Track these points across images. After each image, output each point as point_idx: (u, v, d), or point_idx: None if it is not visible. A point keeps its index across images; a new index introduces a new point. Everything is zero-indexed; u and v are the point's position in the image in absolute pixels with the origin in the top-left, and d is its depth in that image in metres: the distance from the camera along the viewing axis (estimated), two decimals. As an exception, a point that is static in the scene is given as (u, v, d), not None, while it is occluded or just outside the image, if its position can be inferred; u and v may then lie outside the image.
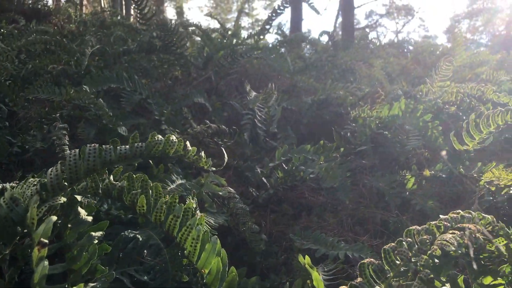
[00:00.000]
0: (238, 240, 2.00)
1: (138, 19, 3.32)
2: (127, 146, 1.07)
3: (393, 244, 1.08)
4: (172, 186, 1.78)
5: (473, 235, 1.12)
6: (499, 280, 1.30)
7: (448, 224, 1.08)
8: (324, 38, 5.92)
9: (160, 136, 1.08)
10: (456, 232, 1.03)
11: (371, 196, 2.50)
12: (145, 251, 1.44)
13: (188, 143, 1.12)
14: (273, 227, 2.16)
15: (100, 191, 1.12)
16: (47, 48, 3.31)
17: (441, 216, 1.12)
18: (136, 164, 2.12)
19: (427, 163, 2.67)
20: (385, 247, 1.08)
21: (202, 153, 1.18)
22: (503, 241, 1.22)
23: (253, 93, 2.32)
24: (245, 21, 21.92)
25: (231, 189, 1.99)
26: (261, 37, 3.81)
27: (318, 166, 2.00)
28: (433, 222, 1.12)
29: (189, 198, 1.60)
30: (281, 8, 3.69)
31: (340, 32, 14.30)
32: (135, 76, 2.68)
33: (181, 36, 3.31)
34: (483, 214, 1.17)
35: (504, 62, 4.73)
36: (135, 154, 1.05)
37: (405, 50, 7.51)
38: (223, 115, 3.28)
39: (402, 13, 22.67)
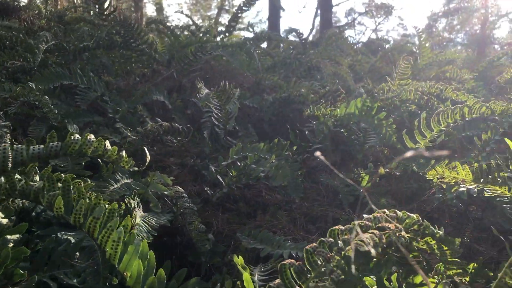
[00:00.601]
0: (188, 240, 1.97)
1: (97, 15, 3.25)
2: (42, 146, 1.03)
3: (315, 244, 1.07)
4: (115, 186, 1.75)
5: (398, 235, 1.12)
6: (431, 279, 1.30)
7: (370, 224, 1.07)
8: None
9: (77, 136, 1.05)
10: (375, 231, 1.02)
11: (328, 194, 2.50)
12: (77, 253, 1.40)
13: (108, 142, 1.09)
14: (226, 226, 2.14)
15: (17, 192, 1.08)
16: (8, 44, 3.22)
17: (364, 215, 1.11)
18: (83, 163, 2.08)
19: (386, 161, 2.69)
20: (307, 247, 1.06)
21: (123, 153, 1.14)
22: (430, 241, 1.22)
23: (205, 91, 2.29)
24: (225, 18, 21.79)
25: (180, 188, 1.96)
26: (227, 34, 3.78)
27: (269, 164, 1.98)
28: (357, 222, 1.11)
29: (128, 199, 1.56)
30: (247, 5, 3.66)
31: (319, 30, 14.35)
32: (90, 73, 2.62)
33: (142, 32, 3.25)
34: (408, 214, 1.17)
35: (469, 61, 4.80)
36: (49, 154, 1.01)
37: (379, 49, 7.58)
38: (185, 113, 3.24)
39: (381, 12, 22.86)
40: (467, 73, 3.90)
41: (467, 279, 1.31)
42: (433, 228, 1.17)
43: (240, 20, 4.18)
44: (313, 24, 15.39)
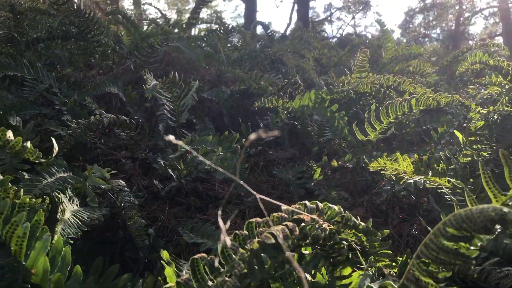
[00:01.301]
0: (130, 235, 1.92)
1: (50, 4, 3.14)
2: None
3: (229, 238, 1.03)
4: (49, 180, 1.67)
5: (318, 226, 1.09)
6: (358, 272, 1.28)
7: (286, 216, 1.04)
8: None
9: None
10: (289, 224, 0.99)
11: (283, 187, 2.48)
12: (-4, 250, 1.34)
13: (10, 133, 1.03)
14: (173, 221, 2.09)
15: None
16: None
17: (283, 207, 1.08)
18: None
19: (344, 154, 2.68)
20: (220, 241, 1.03)
21: (28, 144, 1.08)
22: (352, 233, 1.20)
23: (153, 82, 2.23)
24: (204, 13, 21.58)
25: (121, 182, 1.91)
26: (188, 25, 3.71)
27: (215, 157, 1.94)
28: (275, 214, 1.08)
29: (58, 192, 1.50)
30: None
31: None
32: (38, 64, 2.53)
33: (100, 23, 3.16)
34: (330, 205, 1.14)
35: (436, 56, 4.84)
36: None
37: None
38: (143, 105, 3.17)
39: (358, 7, 23.00)
40: (430, 67, 3.92)
41: (396, 270, 1.29)
42: (355, 220, 1.15)
43: (199, 11, 4.09)
44: (290, 19, 15.36)
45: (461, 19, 16.63)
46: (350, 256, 1.22)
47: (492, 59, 2.82)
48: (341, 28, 22.97)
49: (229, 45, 4.85)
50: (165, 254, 1.27)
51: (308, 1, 13.70)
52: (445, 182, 1.64)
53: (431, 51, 5.08)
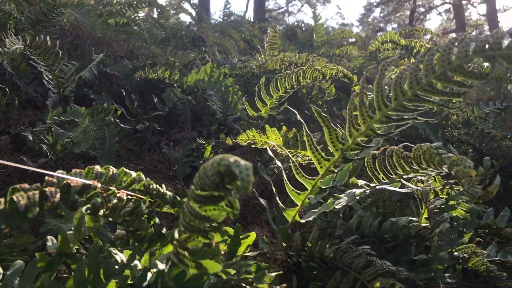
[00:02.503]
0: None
1: None
2: None
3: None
4: None
5: (108, 195, 0.92)
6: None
7: (55, 181, 0.86)
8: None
9: None
10: (49, 188, 0.81)
11: (172, 166, 2.31)
12: None
13: None
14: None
15: None
16: None
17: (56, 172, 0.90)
18: None
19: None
20: None
21: None
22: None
23: (15, 46, 1.99)
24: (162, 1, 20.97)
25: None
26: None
27: (77, 130, 1.74)
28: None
29: None
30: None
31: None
32: None
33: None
34: (127, 171, 0.97)
35: (366, 41, 4.79)
36: None
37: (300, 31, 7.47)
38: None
39: (320, 0, 23.08)
40: (356, 50, 3.84)
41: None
42: (159, 188, 0.98)
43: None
44: (247, 7, 15.17)
45: (416, 14, 16.95)
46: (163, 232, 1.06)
47: (405, 39, 2.74)
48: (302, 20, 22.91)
49: (155, 23, 4.61)
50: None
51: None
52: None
53: (365, 38, 5.02)
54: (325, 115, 0.94)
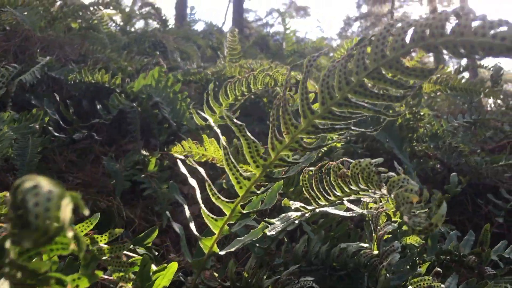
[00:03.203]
0: None
1: None
2: None
3: None
4: None
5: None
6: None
7: None
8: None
9: None
10: None
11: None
12: None
13: None
14: None
15: None
16: None
17: None
18: None
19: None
20: None
21: None
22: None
23: None
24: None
25: None
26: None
27: (-7, 137, 1.51)
28: None
29: None
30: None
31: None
32: None
33: None
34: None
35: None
36: None
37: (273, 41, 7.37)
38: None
39: (301, 13, 23.19)
40: (326, 61, 3.71)
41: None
42: None
43: None
44: (225, 18, 15.08)
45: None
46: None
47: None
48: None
49: (116, 27, 4.41)
50: None
51: (242, 2, 13.45)
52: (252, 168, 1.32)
53: (337, 48, 4.91)
54: (240, 123, 0.76)
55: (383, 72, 0.61)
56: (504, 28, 0.46)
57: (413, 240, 1.14)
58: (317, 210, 0.99)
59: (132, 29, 4.46)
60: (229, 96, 1.80)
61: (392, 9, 16.09)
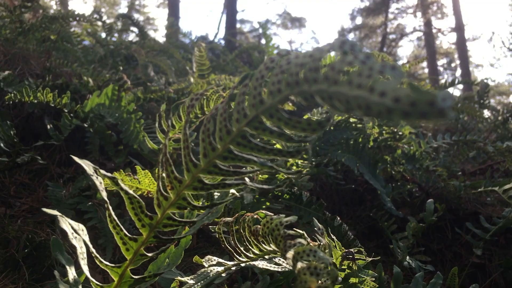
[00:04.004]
0: None
1: None
2: None
3: None
4: None
5: None
6: None
7: None
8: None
9: None
10: None
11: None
12: None
13: None
14: None
15: None
16: None
17: None
18: None
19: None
20: None
21: None
22: None
23: None
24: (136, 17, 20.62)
25: None
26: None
27: None
28: None
29: None
30: None
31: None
32: None
33: None
34: None
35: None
36: None
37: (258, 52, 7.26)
38: None
39: (296, 24, 23.22)
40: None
41: None
42: None
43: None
44: (218, 28, 15.03)
45: (388, 41, 17.11)
46: None
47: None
48: (276, 43, 22.97)
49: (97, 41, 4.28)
50: None
51: (235, 12, 13.41)
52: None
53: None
54: (112, 176, 0.61)
55: (265, 122, 0.47)
56: (390, 75, 0.32)
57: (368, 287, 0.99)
58: (242, 264, 0.83)
59: (112, 41, 4.34)
60: (182, 118, 1.66)
61: (386, 20, 16.08)
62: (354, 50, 0.36)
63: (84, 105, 1.97)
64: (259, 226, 0.70)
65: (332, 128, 1.96)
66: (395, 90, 0.30)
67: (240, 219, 0.76)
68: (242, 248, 0.76)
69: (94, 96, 1.97)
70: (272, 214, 0.68)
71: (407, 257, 1.64)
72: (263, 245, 0.69)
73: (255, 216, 0.73)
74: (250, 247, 0.74)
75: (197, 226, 0.68)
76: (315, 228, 0.72)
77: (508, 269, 1.97)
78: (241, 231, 0.75)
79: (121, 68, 2.56)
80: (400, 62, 20.58)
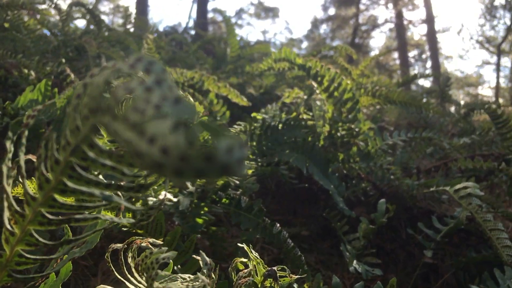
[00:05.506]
0: None
1: None
2: None
3: None
4: None
5: None
6: None
7: None
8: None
9: None
10: None
11: None
12: None
13: None
14: None
15: None
16: None
17: None
18: None
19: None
20: None
21: None
22: None
23: None
24: (105, 6, 20.06)
25: None
26: None
27: None
28: None
29: None
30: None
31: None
32: None
33: None
34: None
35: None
36: None
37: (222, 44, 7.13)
38: None
39: (269, 14, 23.02)
40: (264, 66, 3.48)
41: None
42: None
43: None
44: (189, 18, 14.72)
45: (359, 32, 17.19)
46: None
47: (302, 58, 2.40)
48: (250, 33, 22.75)
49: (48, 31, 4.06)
50: None
51: (206, 2, 13.15)
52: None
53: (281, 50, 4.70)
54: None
55: (87, 152, 0.37)
56: (172, 111, 0.22)
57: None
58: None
59: (65, 30, 4.11)
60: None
61: (358, 12, 16.12)
62: (151, 71, 0.26)
63: (16, 102, 1.81)
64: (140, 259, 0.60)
65: (280, 126, 1.88)
66: (164, 136, 0.21)
67: (132, 247, 0.66)
68: (133, 280, 0.67)
69: (27, 91, 1.82)
70: (158, 245, 0.59)
71: (354, 262, 1.58)
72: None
73: (144, 244, 0.63)
74: (138, 282, 0.64)
75: (63, 264, 0.58)
76: (203, 264, 0.62)
77: (459, 269, 1.95)
78: (130, 259, 0.65)
79: (63, 60, 2.39)
80: (372, 53, 20.70)
